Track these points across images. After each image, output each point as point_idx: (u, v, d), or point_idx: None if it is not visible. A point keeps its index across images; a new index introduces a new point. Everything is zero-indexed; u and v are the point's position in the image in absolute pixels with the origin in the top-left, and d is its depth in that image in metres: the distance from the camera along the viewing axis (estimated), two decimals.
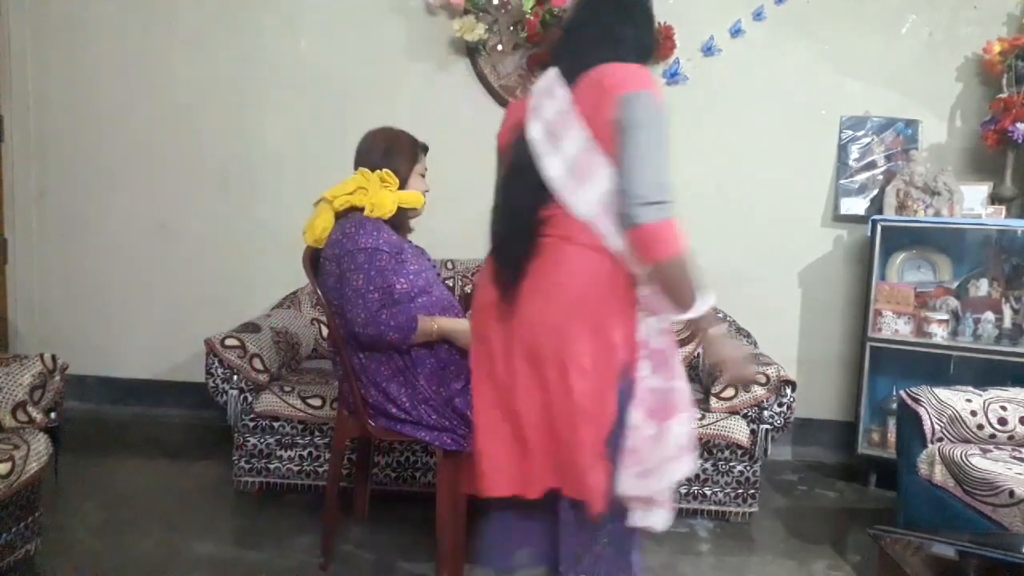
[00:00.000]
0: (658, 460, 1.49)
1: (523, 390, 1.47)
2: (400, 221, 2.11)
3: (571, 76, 1.47)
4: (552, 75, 1.51)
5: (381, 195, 2.01)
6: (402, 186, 2.09)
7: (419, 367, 2.01)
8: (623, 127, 1.38)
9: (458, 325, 2.03)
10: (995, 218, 2.86)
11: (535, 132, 1.47)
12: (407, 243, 2.14)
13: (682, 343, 2.67)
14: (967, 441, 2.17)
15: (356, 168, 2.09)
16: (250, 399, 2.56)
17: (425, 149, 2.19)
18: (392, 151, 2.11)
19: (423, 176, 2.17)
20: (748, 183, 3.22)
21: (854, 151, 3.16)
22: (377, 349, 1.99)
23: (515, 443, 1.51)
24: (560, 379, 1.43)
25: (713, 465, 2.54)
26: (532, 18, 3.01)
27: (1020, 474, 1.88)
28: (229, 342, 2.54)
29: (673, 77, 3.18)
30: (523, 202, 1.49)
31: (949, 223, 2.87)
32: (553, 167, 1.44)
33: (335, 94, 3.30)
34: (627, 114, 1.37)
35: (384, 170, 2.05)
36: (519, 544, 1.65)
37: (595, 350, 1.43)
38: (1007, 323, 2.78)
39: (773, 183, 3.16)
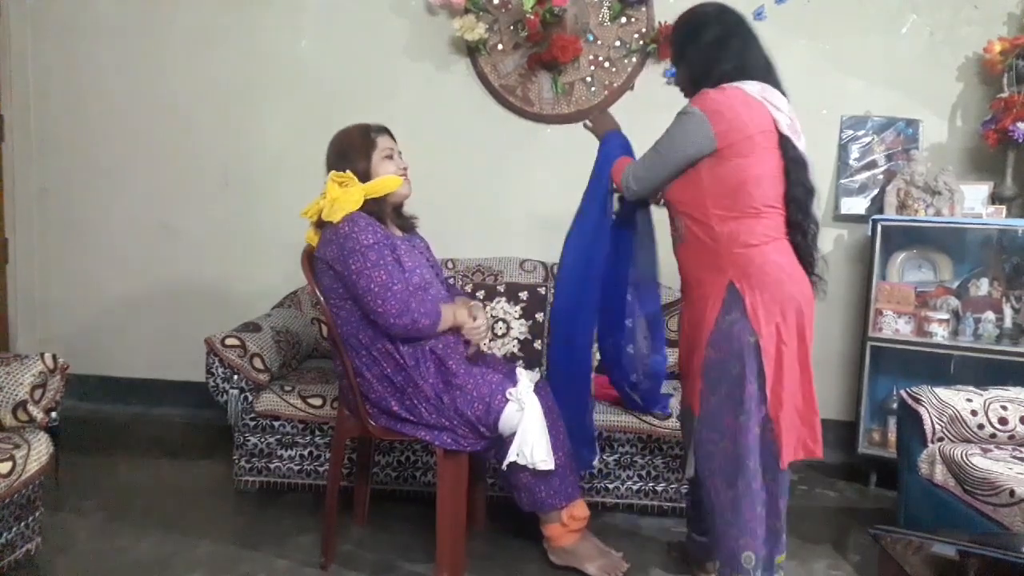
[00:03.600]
0: None
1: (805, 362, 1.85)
2: (382, 211, 2.10)
3: None
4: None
5: (337, 194, 2.00)
6: (368, 177, 2.07)
7: (419, 366, 2.01)
8: None
9: (462, 311, 2.11)
10: (996, 218, 2.86)
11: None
12: (399, 238, 2.13)
13: None
14: (968, 441, 2.16)
15: None
16: (250, 398, 2.56)
17: (382, 130, 2.15)
18: (344, 151, 2.11)
19: (391, 157, 2.12)
20: None
21: (854, 150, 3.16)
22: (411, 339, 2.00)
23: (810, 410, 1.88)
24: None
25: None
26: (532, 18, 3.00)
27: (1021, 474, 1.88)
28: (229, 342, 2.54)
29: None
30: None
31: (950, 223, 2.87)
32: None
33: (336, 94, 3.29)
34: None
35: (335, 172, 2.05)
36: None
37: None
38: (1008, 323, 2.78)
39: None
